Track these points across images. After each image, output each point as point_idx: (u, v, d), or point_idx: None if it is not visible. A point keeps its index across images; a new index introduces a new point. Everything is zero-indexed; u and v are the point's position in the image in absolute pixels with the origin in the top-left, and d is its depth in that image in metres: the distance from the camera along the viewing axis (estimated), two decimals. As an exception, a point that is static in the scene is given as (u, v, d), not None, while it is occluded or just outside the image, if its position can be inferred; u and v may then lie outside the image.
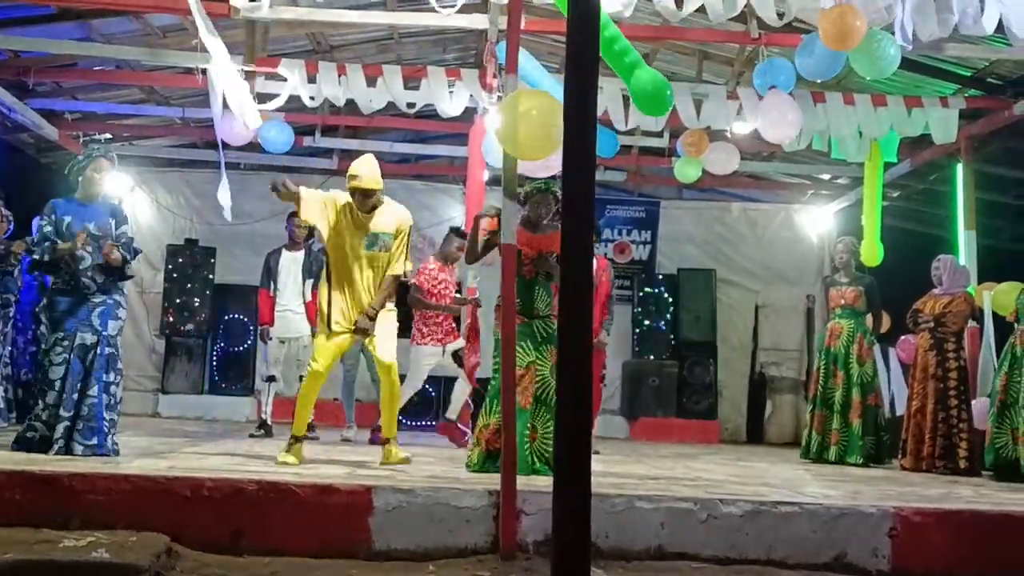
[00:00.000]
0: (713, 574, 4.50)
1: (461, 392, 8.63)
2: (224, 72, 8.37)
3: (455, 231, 8.74)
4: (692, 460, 8.22)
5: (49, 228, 5.90)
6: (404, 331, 8.77)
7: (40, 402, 5.80)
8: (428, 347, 8.46)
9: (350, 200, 6.12)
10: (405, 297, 8.67)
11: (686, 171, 10.56)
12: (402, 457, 6.12)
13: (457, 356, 8.52)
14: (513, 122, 4.96)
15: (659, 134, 11.21)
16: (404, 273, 6.34)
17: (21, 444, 5.73)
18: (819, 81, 8.19)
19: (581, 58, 3.06)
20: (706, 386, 12.66)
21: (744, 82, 9.92)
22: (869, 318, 9.05)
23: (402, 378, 8.62)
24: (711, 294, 13.07)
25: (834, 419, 8.79)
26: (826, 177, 13.29)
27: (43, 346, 5.92)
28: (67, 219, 5.92)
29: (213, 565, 4.27)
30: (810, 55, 7.32)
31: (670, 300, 12.99)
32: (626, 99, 9.28)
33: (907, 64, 8.76)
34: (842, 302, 9.00)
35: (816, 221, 13.68)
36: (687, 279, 13.11)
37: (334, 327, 6.09)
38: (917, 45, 7.12)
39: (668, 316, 12.95)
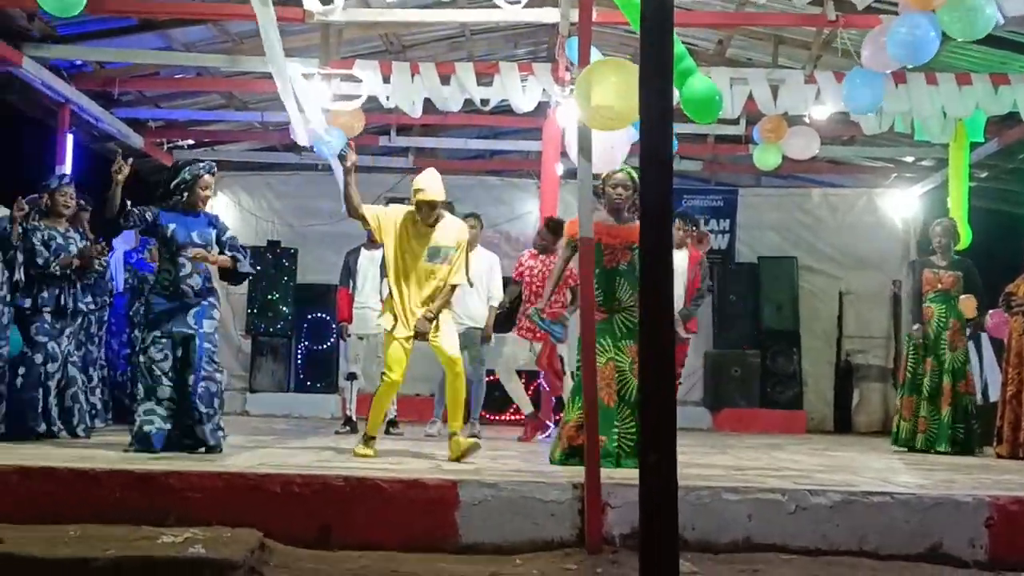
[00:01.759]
0: (803, 566, 4.44)
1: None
2: (294, 86, 8.49)
3: (546, 224, 8.71)
4: (778, 451, 8.12)
5: (143, 215, 6.15)
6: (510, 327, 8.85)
7: (152, 397, 6.01)
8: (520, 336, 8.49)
9: (411, 212, 6.29)
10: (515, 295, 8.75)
11: (765, 158, 10.42)
12: (471, 444, 6.12)
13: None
14: (590, 90, 4.97)
15: (735, 121, 11.07)
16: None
17: (141, 441, 5.92)
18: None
19: (656, 50, 3.05)
20: (790, 375, 12.50)
21: (822, 65, 9.75)
22: (965, 301, 8.70)
23: (490, 372, 8.73)
24: (793, 282, 12.90)
25: (923, 406, 8.56)
26: (909, 159, 12.98)
27: (139, 346, 6.12)
28: (172, 227, 6.16)
29: (305, 559, 4.34)
30: (900, 42, 7.05)
31: (751, 289, 12.85)
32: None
33: (993, 41, 8.52)
34: (939, 286, 8.66)
35: (900, 205, 13.39)
36: (768, 267, 12.95)
37: (397, 334, 6.20)
38: (1005, 21, 6.92)
39: (749, 305, 12.81)
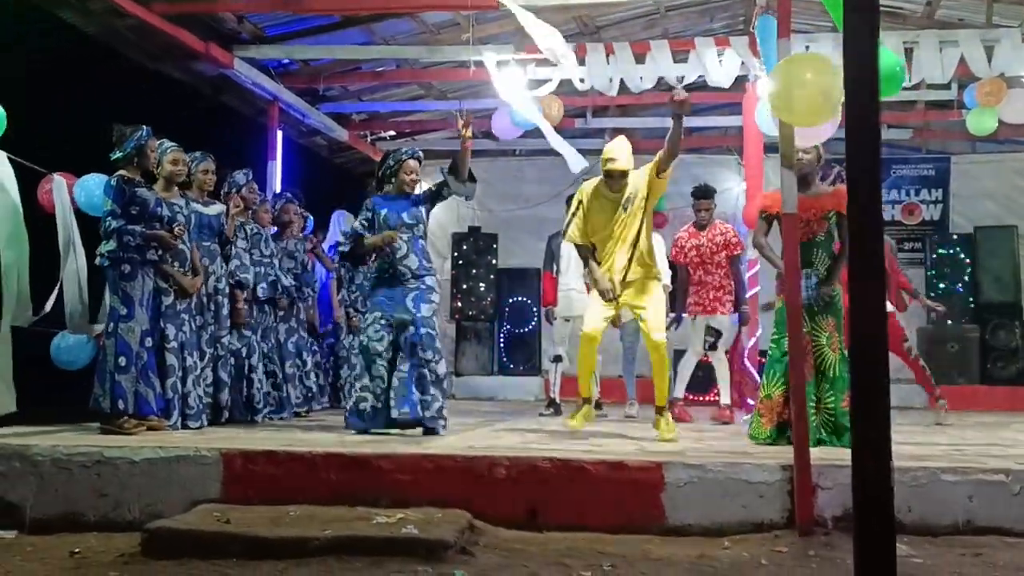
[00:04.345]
0: (1030, 550, 4.23)
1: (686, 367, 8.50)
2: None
3: (693, 192, 8.56)
4: (1000, 429, 7.70)
5: (362, 223, 6.48)
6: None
7: (367, 375, 6.27)
8: (697, 319, 8.38)
9: (596, 184, 6.45)
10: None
11: (981, 123, 9.86)
12: (669, 437, 6.11)
13: (712, 330, 8.35)
14: (787, 88, 4.82)
15: (946, 86, 10.51)
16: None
17: (358, 416, 6.25)
18: None
19: (861, 13, 2.94)
20: (1013, 350, 11.82)
21: (1041, 22, 9.14)
22: None
23: (682, 352, 8.64)
24: (1013, 252, 12.16)
25: None
26: None
27: (361, 325, 6.49)
28: (383, 212, 6.48)
29: (513, 540, 4.42)
30: None
31: (967, 261, 12.23)
32: (908, 51, 8.80)
33: None
34: None
35: None
36: (985, 238, 12.28)
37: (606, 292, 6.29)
38: None
39: (966, 278, 12.19)
